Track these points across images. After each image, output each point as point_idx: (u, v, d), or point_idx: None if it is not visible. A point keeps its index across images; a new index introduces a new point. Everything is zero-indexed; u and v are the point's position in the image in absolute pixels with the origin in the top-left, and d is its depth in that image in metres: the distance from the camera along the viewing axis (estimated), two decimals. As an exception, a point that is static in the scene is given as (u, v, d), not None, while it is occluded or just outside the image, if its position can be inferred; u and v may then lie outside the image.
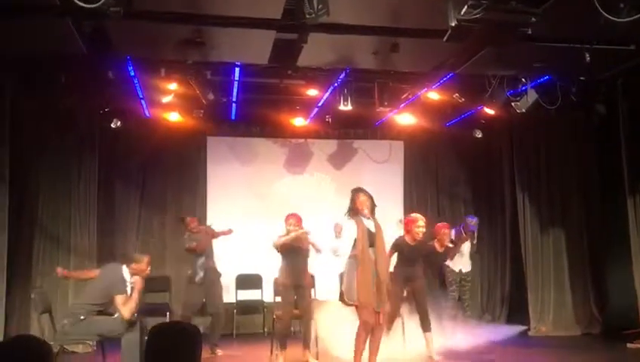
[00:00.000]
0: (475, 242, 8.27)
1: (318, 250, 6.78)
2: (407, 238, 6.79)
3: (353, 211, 5.75)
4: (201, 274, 7.32)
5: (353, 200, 5.77)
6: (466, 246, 8.19)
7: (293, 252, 6.60)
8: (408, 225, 6.83)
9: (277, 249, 6.62)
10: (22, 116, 7.36)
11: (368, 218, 5.72)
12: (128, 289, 5.57)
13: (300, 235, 6.54)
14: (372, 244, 5.65)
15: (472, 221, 8.23)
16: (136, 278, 5.60)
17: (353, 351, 5.68)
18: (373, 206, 5.77)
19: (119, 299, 5.44)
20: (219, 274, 7.50)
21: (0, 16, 4.84)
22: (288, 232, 6.61)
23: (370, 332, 5.66)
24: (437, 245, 7.62)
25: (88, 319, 5.45)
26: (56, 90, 7.05)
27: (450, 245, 7.76)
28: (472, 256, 8.31)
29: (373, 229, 5.71)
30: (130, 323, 5.45)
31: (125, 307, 5.42)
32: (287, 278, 6.62)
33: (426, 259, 7.24)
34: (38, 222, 7.76)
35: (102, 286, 5.57)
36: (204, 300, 7.45)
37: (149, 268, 5.77)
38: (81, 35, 5.39)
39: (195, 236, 7.49)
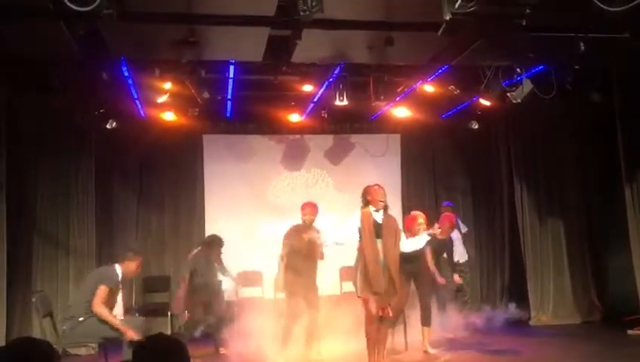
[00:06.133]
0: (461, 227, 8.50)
1: (321, 256, 6.60)
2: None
3: (365, 201, 5.77)
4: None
5: (368, 192, 5.79)
6: (457, 237, 8.22)
7: (302, 255, 6.48)
8: (409, 224, 6.67)
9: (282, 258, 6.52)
10: (18, 119, 7.36)
11: (377, 210, 5.70)
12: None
13: (312, 238, 6.35)
14: (379, 236, 5.62)
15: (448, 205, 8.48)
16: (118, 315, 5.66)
17: (366, 348, 5.66)
18: (385, 201, 5.78)
19: (101, 289, 5.44)
20: (220, 282, 7.48)
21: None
22: (304, 222, 6.52)
23: (377, 324, 5.63)
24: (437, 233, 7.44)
25: (87, 321, 5.43)
26: (51, 92, 7.03)
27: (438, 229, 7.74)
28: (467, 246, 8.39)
29: (380, 221, 5.68)
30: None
31: (100, 302, 5.39)
32: (295, 283, 6.46)
33: (435, 251, 7.15)
34: (36, 224, 7.75)
35: (92, 282, 5.59)
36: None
37: (138, 270, 5.82)
38: (75, 37, 5.35)
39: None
